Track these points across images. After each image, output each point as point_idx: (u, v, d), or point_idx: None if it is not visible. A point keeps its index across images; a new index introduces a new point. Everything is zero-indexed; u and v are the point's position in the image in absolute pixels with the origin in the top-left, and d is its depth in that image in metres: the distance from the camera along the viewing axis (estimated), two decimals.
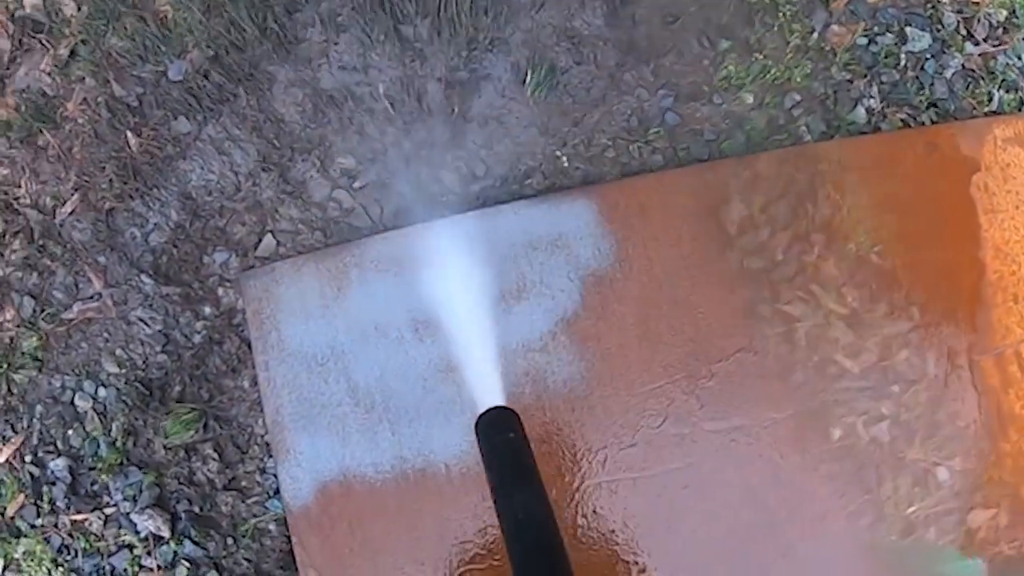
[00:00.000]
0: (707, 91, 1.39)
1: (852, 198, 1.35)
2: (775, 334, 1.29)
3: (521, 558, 0.83)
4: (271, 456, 1.32)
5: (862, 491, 1.27)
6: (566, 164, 1.36)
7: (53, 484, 1.36)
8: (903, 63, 1.45)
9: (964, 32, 1.48)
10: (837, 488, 1.27)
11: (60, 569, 1.35)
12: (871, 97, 1.43)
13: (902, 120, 1.43)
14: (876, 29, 1.45)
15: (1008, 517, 1.30)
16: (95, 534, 1.35)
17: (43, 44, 1.42)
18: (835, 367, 1.29)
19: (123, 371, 1.36)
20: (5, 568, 1.37)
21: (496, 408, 0.96)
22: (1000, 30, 1.50)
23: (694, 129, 1.38)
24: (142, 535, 1.33)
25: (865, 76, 1.43)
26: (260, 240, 1.35)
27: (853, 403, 1.29)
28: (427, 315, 1.29)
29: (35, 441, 1.37)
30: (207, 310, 1.36)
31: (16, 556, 1.36)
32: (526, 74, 1.35)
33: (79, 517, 1.35)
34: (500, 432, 0.93)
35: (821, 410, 1.28)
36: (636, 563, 1.26)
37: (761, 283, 1.30)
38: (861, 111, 1.42)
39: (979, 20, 1.47)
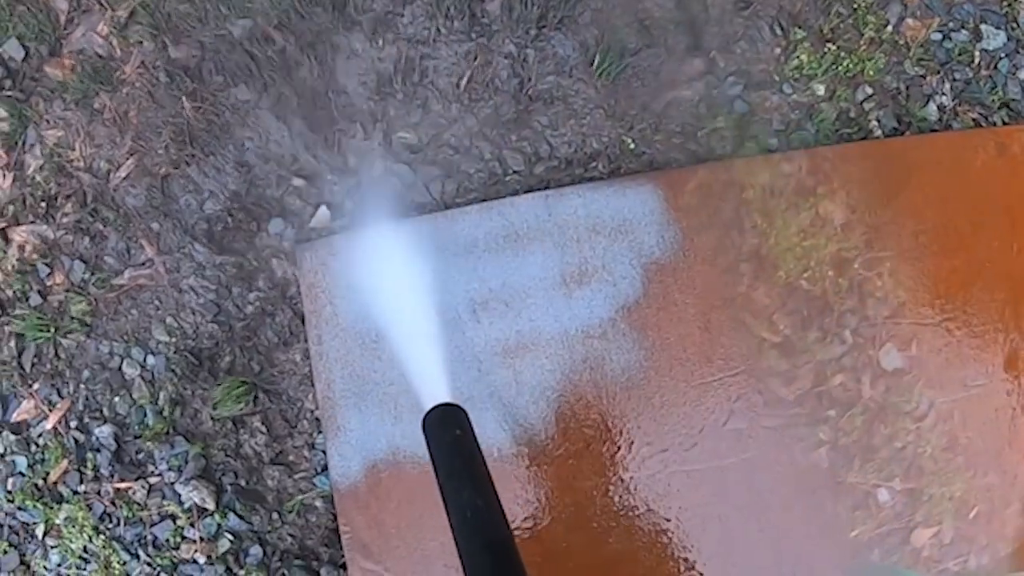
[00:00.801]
0: (777, 80, 1.36)
1: (919, 196, 1.32)
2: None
3: (469, 555, 0.82)
4: (320, 432, 1.30)
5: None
6: (632, 148, 1.33)
7: (98, 451, 1.35)
8: (977, 61, 1.42)
9: None
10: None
11: (101, 537, 1.34)
12: (943, 94, 1.39)
13: (974, 119, 1.40)
14: (951, 25, 1.42)
15: (951, 533, 1.27)
16: (138, 503, 1.33)
17: (101, 5, 1.40)
18: None
19: (173, 340, 1.34)
20: (45, 534, 1.36)
21: (443, 405, 0.95)
22: None
23: (763, 118, 1.35)
24: (186, 506, 1.32)
25: (938, 72, 1.40)
26: (316, 212, 1.33)
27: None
28: (484, 297, 1.27)
29: (81, 407, 1.36)
30: (260, 281, 1.34)
31: (57, 522, 1.35)
32: (594, 55, 1.32)
33: (123, 485, 1.34)
34: (447, 429, 0.92)
35: None
36: (685, 559, 1.24)
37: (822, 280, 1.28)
38: (933, 108, 1.39)
39: None
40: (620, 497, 1.24)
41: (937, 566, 1.25)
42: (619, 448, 1.24)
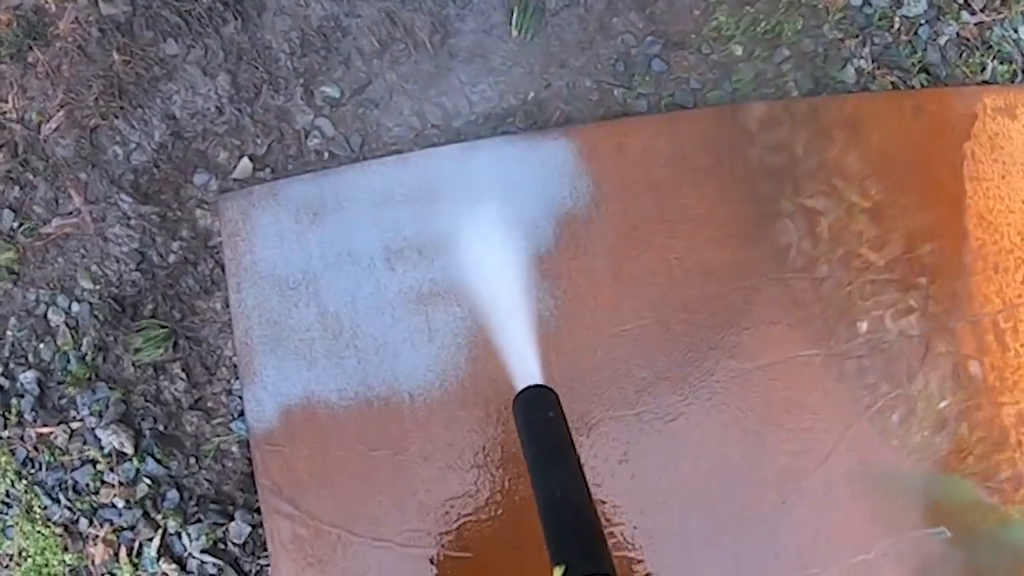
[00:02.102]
0: (695, 40, 1.38)
1: (835, 156, 1.34)
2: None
3: (557, 536, 0.83)
4: (238, 378, 1.32)
5: (893, 386, 1.26)
6: (549, 105, 1.35)
7: (21, 396, 1.37)
8: (897, 27, 1.44)
9: (961, 1, 1.47)
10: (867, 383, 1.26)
11: (23, 481, 1.36)
12: (861, 58, 1.42)
13: (892, 83, 1.42)
14: None
15: None
16: (60, 448, 1.35)
17: None
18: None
19: (97, 287, 1.36)
20: None
21: (535, 387, 0.96)
22: (998, 1, 1.49)
23: (680, 78, 1.38)
24: (106, 451, 1.34)
25: (857, 36, 1.42)
26: (239, 164, 1.35)
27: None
28: (399, 245, 1.29)
29: (6, 354, 1.38)
30: (184, 231, 1.36)
31: None
32: (513, 13, 1.35)
33: (45, 430, 1.36)
34: (537, 411, 0.93)
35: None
36: (601, 502, 1.25)
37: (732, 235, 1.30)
38: (851, 71, 1.41)
39: None
40: None
41: None
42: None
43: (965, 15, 1.46)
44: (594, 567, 0.78)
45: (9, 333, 1.37)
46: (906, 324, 1.32)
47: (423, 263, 1.29)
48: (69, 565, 1.34)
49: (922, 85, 1.43)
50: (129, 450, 1.33)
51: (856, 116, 1.36)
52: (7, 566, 1.35)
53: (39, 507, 1.35)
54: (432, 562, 1.25)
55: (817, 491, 1.27)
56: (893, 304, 1.32)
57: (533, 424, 0.90)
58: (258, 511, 1.30)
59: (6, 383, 1.37)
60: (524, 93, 1.35)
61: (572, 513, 0.84)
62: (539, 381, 0.98)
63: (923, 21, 1.45)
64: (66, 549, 1.33)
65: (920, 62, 1.43)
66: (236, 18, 1.37)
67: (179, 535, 1.32)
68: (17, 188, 1.39)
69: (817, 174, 1.33)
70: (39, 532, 1.34)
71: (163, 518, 1.32)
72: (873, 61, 1.42)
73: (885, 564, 1.28)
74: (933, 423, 1.28)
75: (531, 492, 1.23)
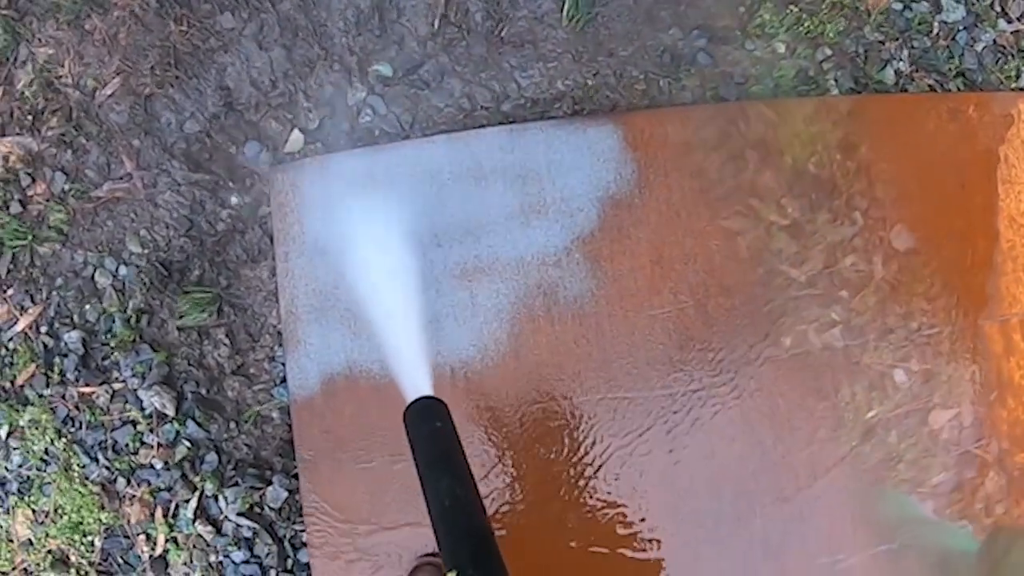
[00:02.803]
0: (740, 36, 1.42)
1: (872, 153, 1.37)
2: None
3: (448, 542, 0.86)
4: (281, 345, 1.34)
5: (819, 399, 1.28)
6: (596, 93, 1.38)
7: (65, 356, 1.39)
8: (935, 31, 1.47)
9: (999, 9, 1.51)
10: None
11: (63, 440, 1.37)
12: (901, 60, 1.45)
13: (929, 85, 1.46)
14: None
15: (971, 416, 1.28)
16: (101, 408, 1.37)
17: None
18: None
19: (145, 251, 1.39)
20: (9, 435, 1.40)
21: (423, 398, 0.99)
22: None
23: (725, 72, 1.41)
24: (147, 412, 1.36)
25: (897, 40, 1.46)
26: (290, 136, 1.38)
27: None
28: (446, 222, 1.32)
29: (52, 314, 1.40)
30: (233, 200, 1.39)
31: (21, 424, 1.39)
32: (564, 2, 1.38)
33: (87, 390, 1.38)
34: (427, 421, 0.96)
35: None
36: (633, 482, 1.27)
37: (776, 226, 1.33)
38: (890, 72, 1.45)
39: None
40: (565, 419, 1.28)
41: (957, 449, 1.28)
42: (567, 372, 1.28)
43: (1002, 23, 1.50)
44: (484, 572, 0.83)
45: (55, 294, 1.40)
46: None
47: (469, 240, 1.32)
48: (105, 523, 1.35)
49: (958, 89, 1.47)
50: (170, 412, 1.35)
51: (894, 116, 1.39)
52: (43, 523, 1.37)
53: (78, 465, 1.36)
54: None
55: (845, 479, 1.29)
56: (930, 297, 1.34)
57: (422, 435, 0.93)
58: (295, 477, 1.32)
59: (51, 343, 1.39)
60: (572, 80, 1.38)
61: (462, 520, 0.87)
62: (429, 392, 1.01)
63: (961, 27, 1.49)
64: (103, 508, 1.35)
65: (957, 67, 1.47)
66: None
67: (216, 498, 1.33)
68: (70, 152, 1.42)
69: (858, 173, 1.36)
70: (76, 490, 1.36)
71: (201, 480, 1.34)
72: (912, 64, 1.46)
73: (908, 554, 1.30)
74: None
75: (569, 469, 1.26)
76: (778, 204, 1.33)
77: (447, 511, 0.88)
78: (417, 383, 1.11)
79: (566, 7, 1.39)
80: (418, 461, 0.90)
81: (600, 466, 1.28)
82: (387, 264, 1.31)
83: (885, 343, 1.28)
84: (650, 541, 1.27)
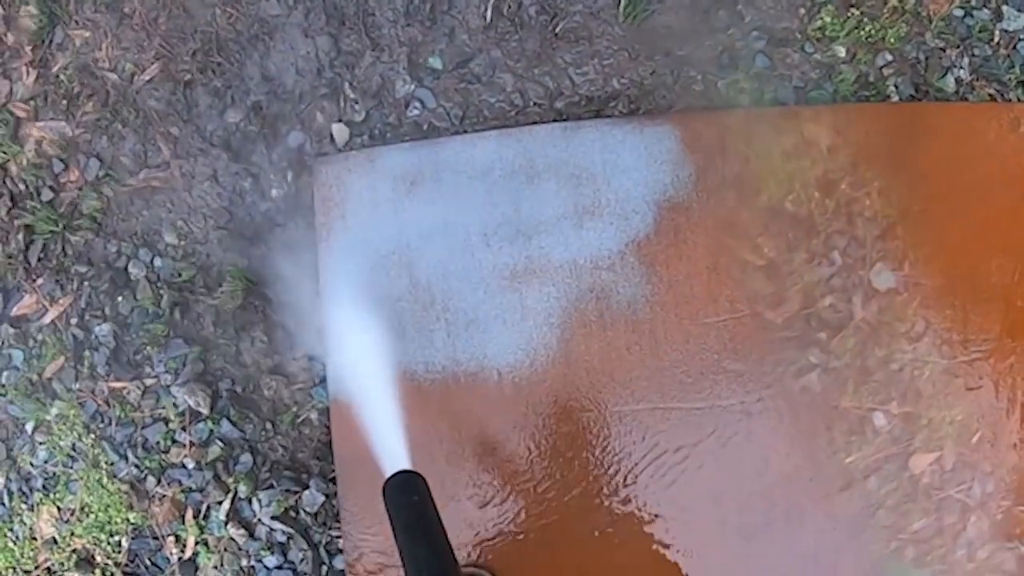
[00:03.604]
0: (800, 39, 1.38)
1: (931, 162, 1.33)
2: None
3: None
4: (321, 344, 1.30)
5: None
6: (652, 92, 1.34)
7: (96, 349, 1.34)
8: (996, 40, 1.44)
9: None
10: None
11: (91, 436, 1.33)
12: (961, 68, 1.41)
13: (990, 94, 1.42)
14: (973, 3, 1.44)
15: (953, 459, 1.24)
16: (132, 404, 1.33)
17: None
18: None
19: (182, 243, 1.34)
20: (35, 430, 1.35)
21: (401, 472, 1.01)
22: None
23: (783, 75, 1.37)
24: (179, 410, 1.31)
25: (958, 47, 1.42)
26: (336, 128, 1.34)
27: None
28: (496, 221, 1.28)
29: (83, 305, 1.36)
30: (274, 192, 1.34)
31: (48, 418, 1.34)
32: None
33: (118, 385, 1.33)
34: (404, 495, 0.98)
35: None
36: (682, 494, 1.23)
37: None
38: (951, 80, 1.41)
39: None
40: (615, 429, 1.24)
41: (939, 493, 1.24)
42: (618, 380, 1.24)
43: None
44: None
45: (87, 284, 1.35)
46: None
47: (520, 240, 1.27)
48: (132, 523, 1.31)
49: (1019, 99, 1.43)
50: (204, 410, 1.30)
51: (955, 125, 1.35)
52: (68, 521, 1.32)
53: (106, 463, 1.32)
54: (510, 553, 1.23)
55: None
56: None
57: (400, 508, 0.96)
58: (333, 481, 1.28)
59: (81, 335, 1.34)
60: (628, 78, 1.34)
61: None
62: (407, 465, 1.03)
63: (1022, 36, 1.45)
64: (131, 507, 1.30)
65: (1018, 76, 1.43)
66: None
67: (249, 500, 1.29)
68: (105, 138, 1.37)
69: (914, 180, 1.32)
70: (104, 488, 1.31)
71: (234, 482, 1.29)
72: (972, 72, 1.42)
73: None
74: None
75: (617, 479, 1.22)
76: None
77: None
78: (395, 456, 1.13)
79: (622, 3, 1.35)
80: (396, 534, 0.93)
81: (649, 477, 1.24)
82: (432, 262, 1.26)
83: None
84: (696, 555, 1.23)
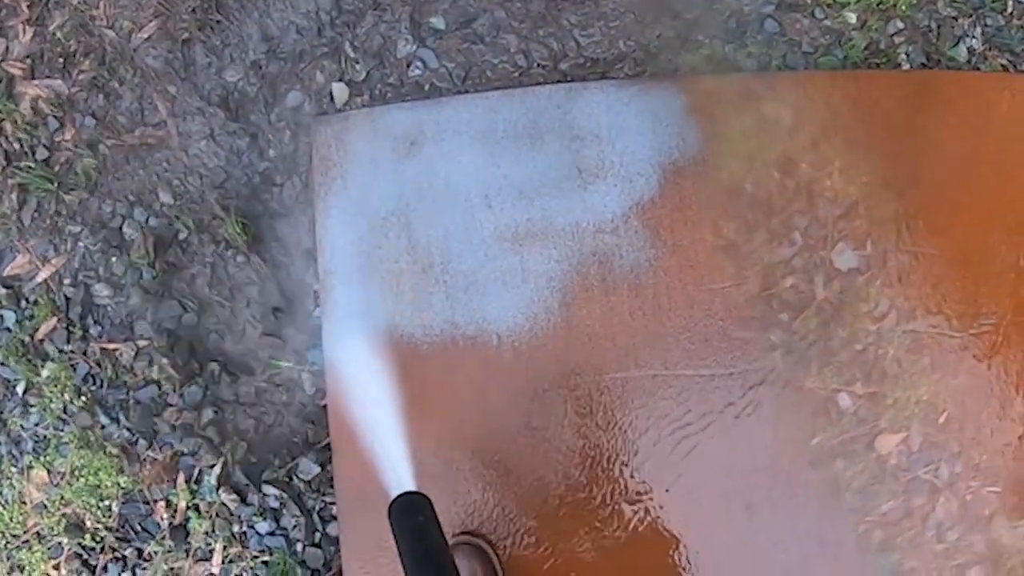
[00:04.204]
0: (810, 4, 1.35)
1: (941, 131, 1.30)
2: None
3: None
4: (318, 306, 1.27)
5: None
6: (659, 56, 1.32)
7: (89, 310, 1.32)
8: (1010, 10, 1.41)
9: None
10: None
11: (82, 398, 1.30)
12: (974, 37, 1.39)
13: (1002, 65, 1.39)
14: None
15: (920, 439, 1.21)
16: (124, 366, 1.30)
17: None
18: None
19: (178, 203, 1.32)
20: (26, 391, 1.33)
21: (406, 494, 1.01)
22: None
23: (792, 40, 1.34)
24: (172, 371, 1.28)
25: (971, 16, 1.39)
26: (335, 88, 1.31)
27: None
28: (498, 182, 1.25)
29: (76, 265, 1.33)
30: (272, 152, 1.32)
31: (38, 380, 1.32)
32: None
33: (110, 346, 1.31)
34: (409, 516, 0.98)
35: None
36: (685, 463, 1.20)
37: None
38: (963, 49, 1.38)
39: None
40: (616, 395, 1.21)
41: (906, 475, 1.21)
42: (620, 345, 1.22)
43: None
44: None
45: (81, 244, 1.33)
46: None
47: (521, 202, 1.25)
48: (123, 487, 1.28)
49: None
50: (197, 373, 1.27)
51: (967, 94, 1.33)
52: (58, 485, 1.30)
53: (97, 425, 1.29)
54: (509, 515, 1.21)
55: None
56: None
57: (405, 529, 0.96)
58: (327, 447, 1.25)
59: (73, 294, 1.32)
60: (635, 41, 1.32)
61: None
62: (411, 487, 1.03)
63: None
64: (122, 471, 1.28)
65: None
66: None
67: (242, 465, 1.26)
68: (102, 96, 1.35)
69: (926, 149, 1.30)
70: (95, 452, 1.29)
71: (227, 446, 1.27)
72: (985, 42, 1.39)
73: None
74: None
75: (619, 446, 1.19)
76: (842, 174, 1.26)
77: None
78: (400, 477, 1.12)
79: None
80: (401, 556, 0.93)
81: (652, 445, 1.21)
82: (432, 223, 1.24)
83: None
84: (700, 526, 1.20)
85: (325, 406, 1.25)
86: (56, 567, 1.28)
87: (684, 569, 1.19)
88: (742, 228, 1.24)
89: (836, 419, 1.21)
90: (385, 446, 1.20)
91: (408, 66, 1.32)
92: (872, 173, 1.26)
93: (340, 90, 1.32)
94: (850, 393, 1.22)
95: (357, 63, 1.32)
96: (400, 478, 1.11)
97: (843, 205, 1.24)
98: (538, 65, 1.31)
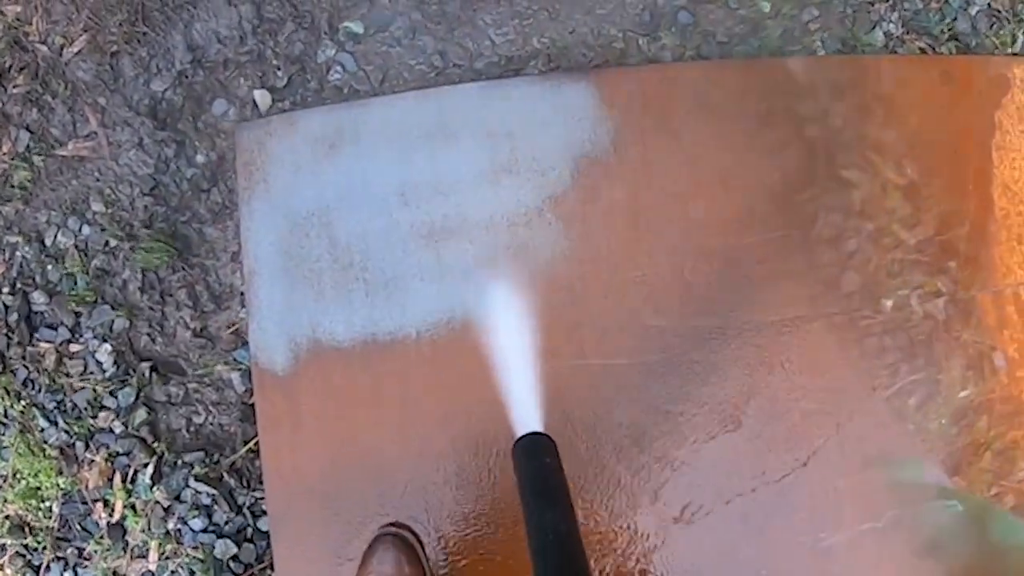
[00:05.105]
0: None
1: (858, 116, 1.32)
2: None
3: (546, 574, 0.86)
4: (244, 307, 1.31)
5: (913, 369, 1.23)
6: (572, 51, 1.34)
7: (26, 317, 1.36)
8: None
9: None
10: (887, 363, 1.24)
11: (22, 403, 1.34)
12: (891, 22, 1.40)
13: (920, 48, 1.40)
14: None
15: None
16: (61, 370, 1.34)
17: None
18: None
19: (109, 211, 1.36)
20: None
21: (532, 434, 1.00)
22: None
23: (707, 31, 1.36)
24: (107, 375, 1.32)
25: (887, 1, 1.41)
26: (257, 94, 1.34)
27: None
28: (414, 180, 1.28)
29: (14, 273, 1.37)
30: (199, 158, 1.35)
31: None
32: None
33: (47, 350, 1.34)
34: (535, 457, 0.97)
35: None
36: (602, 455, 1.22)
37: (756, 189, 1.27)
38: (879, 34, 1.40)
39: None
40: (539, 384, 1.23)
41: None
42: (536, 334, 1.24)
43: None
44: None
45: (18, 253, 1.37)
46: (931, 306, 1.29)
47: (437, 199, 1.27)
48: (63, 489, 1.32)
49: (951, 53, 1.41)
50: (130, 375, 1.31)
51: (883, 78, 1.34)
52: (0, 487, 1.34)
53: (36, 429, 1.33)
54: (429, 506, 1.23)
55: (831, 455, 1.24)
56: (920, 285, 1.29)
57: (530, 469, 0.95)
58: (256, 443, 1.28)
59: (11, 302, 1.36)
60: (548, 37, 1.34)
61: (562, 555, 0.87)
62: (539, 428, 1.02)
63: None
64: (60, 472, 1.31)
65: (950, 30, 1.42)
66: None
67: (175, 464, 1.29)
68: (35, 110, 1.39)
69: (848, 138, 1.31)
70: (35, 455, 1.32)
71: (159, 445, 1.30)
72: (903, 26, 1.41)
73: (895, 533, 1.24)
74: (952, 412, 1.24)
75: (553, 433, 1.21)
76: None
77: (549, 545, 0.88)
78: (526, 418, 1.13)
79: None
80: (524, 494, 0.92)
81: (568, 436, 1.23)
82: (351, 222, 1.27)
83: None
84: (622, 517, 1.22)
85: (253, 404, 1.27)
86: (0, 567, 1.32)
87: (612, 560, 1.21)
88: (656, 219, 1.26)
89: (988, 375, 1.21)
90: (310, 440, 1.22)
91: (328, 71, 1.35)
92: (789, 162, 1.27)
93: (263, 96, 1.35)
94: (1004, 354, 1.22)
95: (279, 69, 1.35)
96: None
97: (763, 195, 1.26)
98: (454, 65, 1.34)
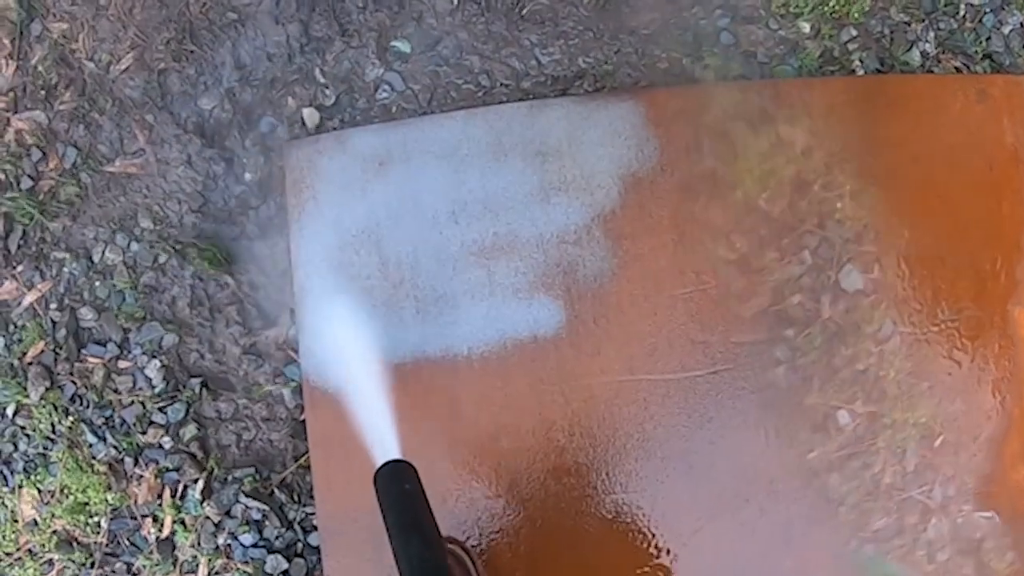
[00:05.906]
0: (764, 15, 1.39)
1: (899, 133, 1.34)
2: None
3: None
4: (294, 324, 1.32)
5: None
6: (618, 71, 1.36)
7: (74, 333, 1.36)
8: (962, 13, 1.45)
9: None
10: None
11: (70, 418, 1.35)
12: (927, 41, 1.43)
13: (955, 68, 1.43)
14: None
15: (915, 461, 1.24)
16: (109, 386, 1.35)
17: None
18: None
19: (157, 227, 1.37)
20: (16, 413, 1.38)
21: (392, 462, 1.01)
22: None
23: (748, 51, 1.38)
24: (156, 391, 1.33)
25: (923, 21, 1.43)
26: (306, 112, 1.36)
27: None
28: (463, 199, 1.29)
29: (62, 290, 1.38)
30: (248, 176, 1.37)
31: (27, 402, 1.37)
32: None
33: (96, 367, 1.35)
34: (396, 484, 0.98)
35: None
36: (651, 466, 1.24)
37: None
38: (916, 53, 1.42)
39: None
40: (584, 401, 1.25)
41: (900, 494, 1.25)
42: (585, 352, 1.25)
43: None
44: None
45: (66, 269, 1.37)
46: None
47: (487, 216, 1.29)
48: (111, 504, 1.32)
49: (985, 71, 1.44)
50: (180, 391, 1.32)
51: (921, 96, 1.36)
52: (48, 503, 1.34)
53: (84, 445, 1.34)
54: (480, 521, 1.24)
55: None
56: None
57: (391, 497, 0.96)
58: (307, 459, 1.29)
59: (59, 318, 1.36)
60: (594, 58, 1.36)
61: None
62: (396, 455, 1.03)
63: (988, 9, 1.46)
64: (109, 488, 1.32)
65: (984, 50, 1.44)
66: None
67: (225, 479, 1.30)
68: (83, 127, 1.40)
69: (881, 150, 1.33)
70: (83, 470, 1.33)
71: (209, 461, 1.31)
72: (938, 45, 1.43)
73: None
74: None
75: (585, 453, 1.23)
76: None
77: (415, 569, 0.90)
78: (385, 445, 1.14)
79: None
80: (387, 523, 0.93)
81: (618, 450, 1.25)
82: (401, 240, 1.28)
83: None
84: (664, 526, 1.24)
85: (304, 420, 1.29)
86: None
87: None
88: (703, 234, 1.28)
89: (834, 434, 1.24)
90: (359, 454, 1.23)
91: (376, 90, 1.36)
92: (849, 182, 1.30)
93: (311, 114, 1.36)
94: (850, 411, 1.25)
95: (327, 88, 1.37)
96: (367, 434, 1.13)
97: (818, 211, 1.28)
98: (501, 84, 1.36)
